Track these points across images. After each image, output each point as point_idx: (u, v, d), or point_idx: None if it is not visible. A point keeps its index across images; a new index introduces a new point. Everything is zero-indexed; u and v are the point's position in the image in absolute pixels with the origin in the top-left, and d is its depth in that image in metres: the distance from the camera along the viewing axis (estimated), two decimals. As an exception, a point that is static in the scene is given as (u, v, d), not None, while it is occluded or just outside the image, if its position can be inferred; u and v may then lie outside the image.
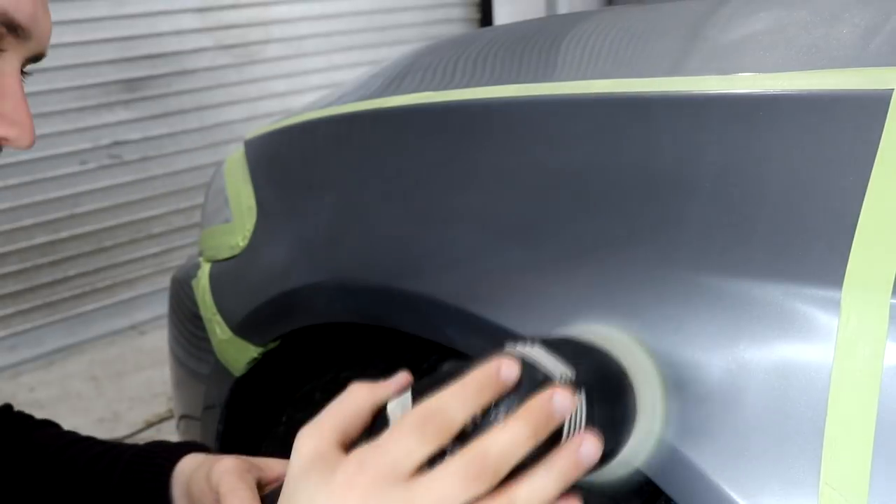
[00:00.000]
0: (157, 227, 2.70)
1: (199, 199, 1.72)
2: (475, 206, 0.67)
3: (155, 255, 2.71)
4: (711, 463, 0.47)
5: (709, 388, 0.48)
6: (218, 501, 0.61)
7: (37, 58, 0.58)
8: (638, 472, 0.51)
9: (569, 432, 0.43)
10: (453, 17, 3.49)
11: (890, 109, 0.47)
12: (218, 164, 1.18)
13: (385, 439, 0.40)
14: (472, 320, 0.62)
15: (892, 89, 0.48)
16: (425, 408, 0.40)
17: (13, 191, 2.37)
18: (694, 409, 0.48)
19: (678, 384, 0.49)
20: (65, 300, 2.54)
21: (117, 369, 2.42)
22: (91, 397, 2.27)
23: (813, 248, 0.47)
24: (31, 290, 2.47)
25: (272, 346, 0.91)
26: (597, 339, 0.51)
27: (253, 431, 0.99)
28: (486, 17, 3.55)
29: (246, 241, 0.95)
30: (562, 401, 0.41)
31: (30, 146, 0.56)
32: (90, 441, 0.77)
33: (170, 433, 1.80)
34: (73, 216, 2.50)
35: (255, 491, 0.61)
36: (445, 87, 0.79)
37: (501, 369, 0.42)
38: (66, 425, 0.82)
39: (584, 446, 0.41)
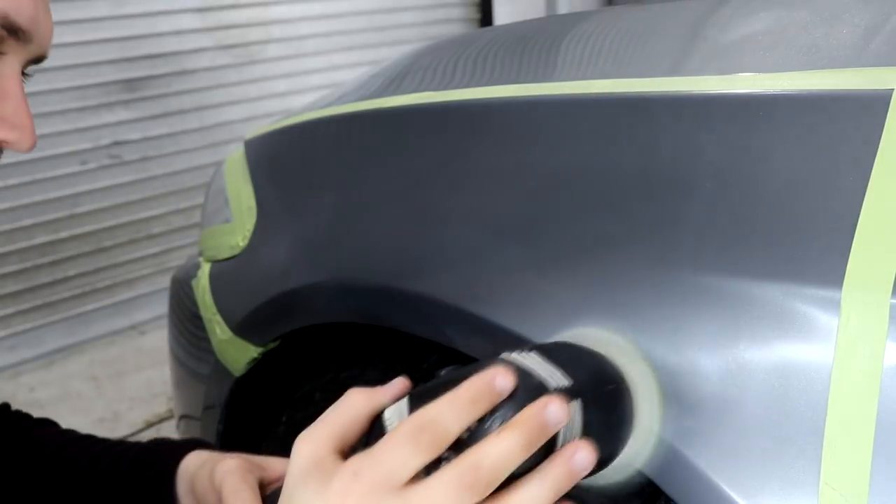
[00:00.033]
0: (157, 227, 2.70)
1: (199, 199, 1.72)
2: (475, 205, 0.67)
3: (155, 255, 2.71)
4: (711, 463, 0.47)
5: (709, 388, 0.48)
6: (221, 501, 0.62)
7: (38, 59, 0.58)
8: (638, 473, 0.51)
9: (564, 440, 0.43)
10: (453, 17, 3.49)
11: (890, 109, 0.47)
12: (218, 164, 1.17)
13: (380, 449, 0.40)
14: (471, 320, 0.62)
15: (892, 89, 0.48)
16: (420, 418, 0.41)
17: (13, 191, 2.37)
18: (694, 409, 0.48)
19: (678, 385, 0.49)
20: (65, 300, 2.54)
21: (117, 369, 2.42)
22: (91, 397, 2.27)
23: (813, 248, 0.47)
24: (31, 290, 2.47)
25: (272, 346, 0.91)
26: (593, 343, 0.52)
27: (253, 431, 0.99)
28: (486, 17, 3.55)
29: (246, 241, 0.95)
30: (555, 411, 0.41)
31: (30, 149, 0.56)
32: (91, 439, 0.77)
33: (170, 433, 1.80)
34: (72, 216, 2.50)
35: (257, 493, 0.62)
36: (445, 87, 0.79)
37: (496, 380, 0.42)
38: (66, 425, 0.82)
39: (578, 455, 0.41)
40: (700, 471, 0.47)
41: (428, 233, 0.71)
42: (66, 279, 2.53)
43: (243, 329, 0.92)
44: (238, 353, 0.93)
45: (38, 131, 0.57)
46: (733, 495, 0.46)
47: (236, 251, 0.96)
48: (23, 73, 0.57)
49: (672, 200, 0.54)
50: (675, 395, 0.49)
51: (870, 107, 0.48)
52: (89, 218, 2.54)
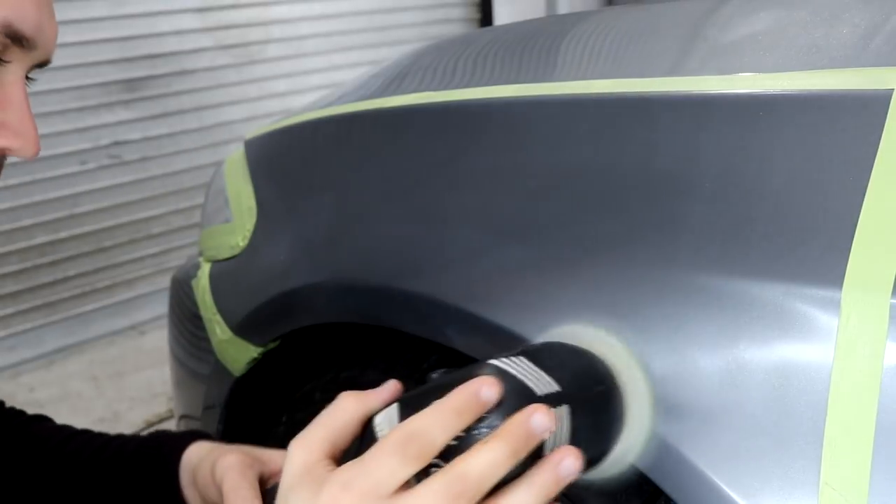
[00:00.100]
0: (157, 227, 2.70)
1: (199, 199, 1.72)
2: (475, 205, 0.67)
3: (154, 255, 2.70)
4: (711, 463, 0.47)
5: (709, 388, 0.48)
6: (222, 495, 0.63)
7: (42, 64, 0.57)
8: (638, 473, 0.52)
9: (552, 445, 0.43)
10: (453, 17, 3.49)
11: (890, 109, 0.47)
12: (218, 164, 1.17)
13: (369, 459, 0.41)
14: (471, 320, 0.62)
15: (892, 89, 0.48)
16: (407, 428, 0.41)
17: (13, 191, 2.37)
18: (694, 409, 0.48)
19: (678, 385, 0.49)
20: (65, 300, 2.54)
21: (117, 369, 2.42)
22: (91, 397, 2.27)
23: (813, 248, 0.47)
24: (31, 290, 2.47)
25: (272, 346, 0.91)
26: (583, 342, 0.52)
27: (253, 431, 0.99)
28: (486, 17, 3.55)
29: (246, 241, 0.95)
30: (540, 420, 0.41)
31: (34, 156, 0.56)
32: (90, 433, 0.78)
33: (170, 433, 1.79)
34: (72, 216, 2.50)
35: (257, 489, 0.62)
36: (445, 87, 0.79)
37: (482, 390, 0.42)
38: (66, 425, 0.83)
39: (565, 462, 0.42)
40: (700, 471, 0.47)
41: (428, 233, 0.71)
42: (66, 279, 2.53)
43: (243, 329, 0.92)
44: (238, 353, 0.93)
45: (38, 131, 0.57)
46: (733, 495, 0.46)
47: (236, 251, 0.96)
48: (26, 77, 0.57)
49: (672, 200, 0.54)
50: (675, 395, 0.49)
51: (870, 107, 0.48)
52: (89, 218, 2.54)
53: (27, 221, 2.42)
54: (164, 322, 1.22)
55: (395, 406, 0.45)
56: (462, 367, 0.47)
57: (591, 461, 0.47)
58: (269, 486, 0.64)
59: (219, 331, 0.96)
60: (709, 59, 0.65)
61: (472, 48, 0.87)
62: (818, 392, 0.44)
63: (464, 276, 0.65)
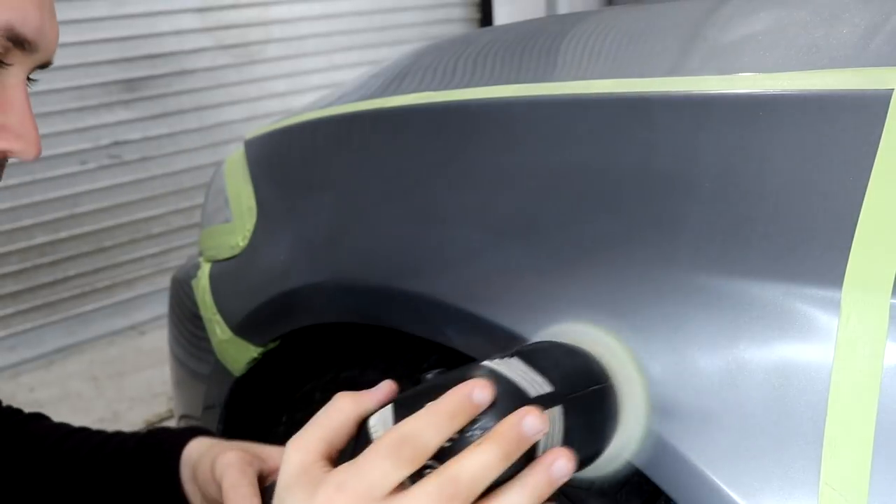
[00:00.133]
0: (157, 227, 2.70)
1: (199, 199, 1.72)
2: (475, 206, 0.67)
3: (154, 255, 2.70)
4: (711, 463, 0.47)
5: (709, 389, 0.48)
6: (221, 492, 0.63)
7: (43, 65, 0.57)
8: (638, 473, 0.52)
9: (545, 446, 0.44)
10: (453, 17, 3.49)
11: (890, 109, 0.47)
12: (218, 164, 1.17)
13: (362, 461, 0.42)
14: (471, 320, 0.62)
15: (892, 89, 0.48)
16: (400, 431, 0.42)
17: (13, 191, 2.37)
18: (694, 409, 0.48)
19: (678, 384, 0.49)
20: (65, 300, 2.54)
21: (117, 369, 2.42)
22: (91, 397, 2.27)
23: (813, 248, 0.47)
24: (31, 290, 2.47)
25: (272, 346, 0.91)
26: (577, 340, 0.52)
27: (253, 431, 0.99)
28: (486, 17, 3.55)
29: (246, 241, 0.95)
30: (532, 423, 0.42)
31: (35, 158, 0.56)
32: (87, 431, 0.78)
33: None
34: (72, 216, 2.50)
35: (256, 486, 0.63)
36: (445, 87, 0.79)
37: (474, 393, 0.43)
38: (66, 425, 0.83)
39: (557, 463, 0.42)
40: (700, 471, 0.47)
41: (428, 233, 0.71)
42: (66, 279, 2.53)
43: (243, 329, 0.92)
44: (238, 353, 0.93)
45: (38, 131, 0.57)
46: (733, 495, 0.46)
47: (236, 251, 0.96)
48: (28, 79, 0.56)
49: (672, 200, 0.54)
50: (675, 395, 0.49)
51: (870, 107, 0.48)
52: (89, 218, 2.54)
53: (27, 221, 2.42)
54: (164, 322, 1.22)
55: (389, 407, 0.46)
56: (456, 367, 0.47)
57: (586, 460, 0.48)
58: (268, 483, 0.65)
59: (219, 331, 0.96)
60: (709, 59, 0.65)
61: (472, 48, 0.87)
62: (818, 392, 0.44)
63: (463, 276, 0.65)
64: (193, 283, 1.04)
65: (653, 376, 0.50)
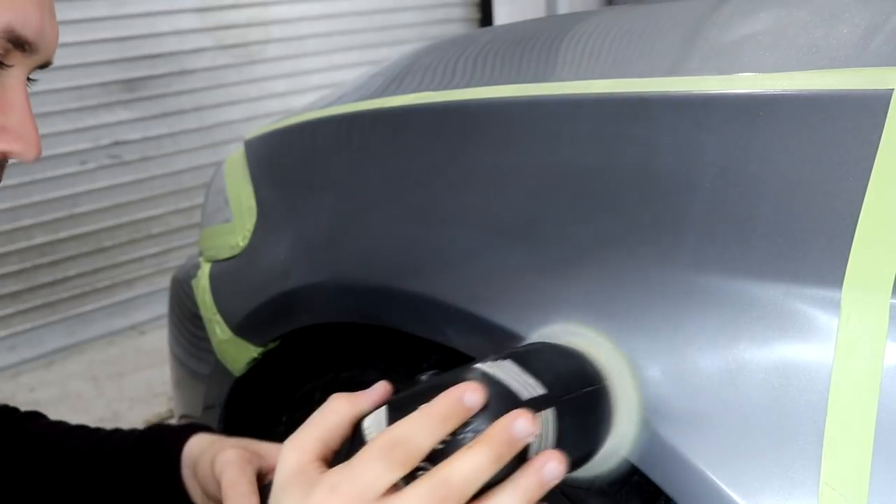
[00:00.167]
0: (157, 227, 2.70)
1: (199, 199, 1.72)
2: (475, 206, 0.67)
3: (154, 255, 2.71)
4: (711, 463, 0.47)
5: (709, 388, 0.48)
6: (221, 489, 0.64)
7: (43, 65, 0.57)
8: (638, 473, 0.52)
9: (538, 448, 0.44)
10: (453, 17, 3.49)
11: (890, 109, 0.47)
12: (218, 164, 1.18)
13: (356, 463, 0.42)
14: (471, 320, 0.62)
15: (892, 89, 0.48)
16: (393, 434, 0.43)
17: (13, 191, 2.37)
18: (694, 409, 0.48)
19: (677, 384, 0.49)
20: (65, 300, 2.54)
21: (117, 369, 2.42)
22: (91, 397, 2.27)
23: (813, 249, 0.47)
24: (31, 290, 2.47)
25: (272, 346, 0.91)
26: (570, 341, 0.52)
27: (253, 431, 0.99)
28: (486, 17, 3.55)
29: (246, 241, 0.95)
30: (523, 426, 0.42)
31: (35, 160, 0.56)
32: (86, 428, 0.79)
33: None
34: (72, 216, 2.50)
35: (254, 484, 0.64)
36: (445, 87, 0.79)
37: (465, 396, 0.43)
38: (66, 425, 0.83)
39: (548, 466, 0.43)
40: (700, 471, 0.47)
41: (428, 233, 0.71)
42: (65, 279, 2.53)
43: (243, 329, 0.92)
44: (238, 353, 0.93)
45: (38, 131, 0.57)
46: (733, 495, 0.46)
47: (236, 251, 0.96)
48: (28, 79, 0.56)
49: (672, 200, 0.54)
50: (676, 395, 0.49)
51: (870, 107, 0.48)
52: (89, 218, 2.54)
53: (27, 221, 2.42)
54: (164, 322, 1.22)
55: (383, 409, 0.46)
56: (451, 369, 0.47)
57: (579, 461, 0.48)
58: (266, 481, 0.65)
59: (219, 331, 0.96)
60: (709, 59, 0.65)
61: (472, 48, 0.87)
62: (818, 392, 0.44)
63: (463, 276, 0.65)
64: (193, 283, 1.04)
65: (653, 376, 0.50)
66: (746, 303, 0.48)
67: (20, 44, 0.53)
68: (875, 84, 0.49)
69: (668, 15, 0.77)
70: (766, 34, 0.63)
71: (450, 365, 0.51)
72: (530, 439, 0.42)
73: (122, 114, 2.56)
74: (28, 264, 2.45)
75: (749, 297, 0.48)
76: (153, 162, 2.65)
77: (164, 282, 1.33)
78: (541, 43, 0.83)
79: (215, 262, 1.01)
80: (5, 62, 0.53)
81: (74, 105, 2.45)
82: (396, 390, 0.50)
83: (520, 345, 0.55)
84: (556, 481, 0.43)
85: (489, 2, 3.54)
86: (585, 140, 0.62)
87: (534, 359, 0.48)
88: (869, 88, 0.49)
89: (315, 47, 3.01)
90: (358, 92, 0.91)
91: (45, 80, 0.60)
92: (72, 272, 2.54)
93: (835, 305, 0.45)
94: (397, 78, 0.88)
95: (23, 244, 2.43)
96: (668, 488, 0.49)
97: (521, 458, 0.43)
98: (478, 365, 0.46)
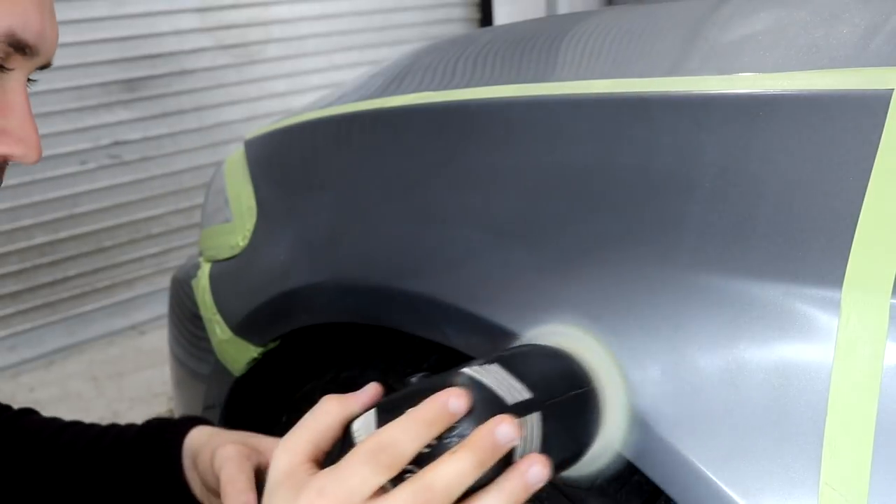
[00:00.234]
0: (157, 227, 2.70)
1: (199, 199, 1.72)
2: (475, 206, 0.67)
3: (154, 255, 2.70)
4: (711, 463, 0.47)
5: (708, 388, 0.48)
6: (220, 483, 0.64)
7: (42, 66, 0.57)
8: (638, 473, 0.52)
9: (523, 452, 0.44)
10: (453, 17, 3.49)
11: (890, 109, 0.47)
12: (218, 164, 1.18)
13: (343, 466, 0.43)
14: (471, 320, 0.62)
15: (892, 89, 0.48)
16: (379, 438, 0.43)
17: (13, 191, 2.37)
18: (694, 409, 0.48)
19: (677, 385, 0.49)
20: (65, 300, 2.54)
21: (117, 369, 2.42)
22: (91, 397, 2.27)
23: (813, 249, 0.47)
24: (31, 290, 2.47)
25: (272, 346, 0.91)
26: (560, 343, 0.52)
27: (253, 431, 0.99)
28: (486, 17, 3.55)
29: (246, 241, 0.95)
30: (506, 432, 0.43)
31: (36, 162, 0.56)
32: (81, 424, 0.79)
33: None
34: (72, 216, 2.50)
35: (253, 481, 0.64)
36: (445, 87, 0.79)
37: (450, 402, 0.44)
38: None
39: (532, 470, 0.43)
40: (700, 471, 0.47)
41: (428, 233, 0.71)
42: (65, 279, 2.53)
43: (243, 329, 0.92)
44: (238, 353, 0.93)
45: (38, 131, 0.57)
46: (733, 495, 0.46)
47: (236, 251, 0.96)
48: (28, 80, 0.56)
49: (672, 200, 0.54)
50: (675, 395, 0.49)
51: (870, 107, 0.48)
52: (89, 218, 2.54)
53: (27, 221, 2.42)
54: (164, 322, 1.22)
55: (372, 412, 0.47)
56: (443, 372, 0.48)
57: (566, 463, 0.49)
58: (265, 477, 0.66)
59: (219, 331, 0.96)
60: (709, 59, 0.65)
61: (472, 48, 0.87)
62: (818, 392, 0.44)
63: (463, 276, 0.65)
64: (193, 283, 1.04)
65: (653, 376, 0.50)
66: (746, 303, 0.48)
67: (21, 47, 0.53)
68: (875, 84, 0.49)
69: (668, 15, 0.77)
70: (766, 34, 0.63)
71: (450, 365, 0.51)
72: (513, 444, 0.43)
73: (122, 114, 2.56)
74: (28, 264, 2.45)
75: (749, 297, 0.48)
76: (153, 162, 2.65)
77: (164, 282, 1.34)
78: (541, 43, 0.83)
79: (215, 262, 1.01)
80: (6, 66, 0.53)
81: (74, 105, 2.45)
82: (389, 391, 0.50)
83: (509, 347, 0.55)
84: (541, 484, 0.44)
85: (489, 2, 3.54)
86: (585, 140, 0.62)
87: (520, 362, 0.49)
88: (869, 88, 0.49)
89: (315, 47, 3.01)
90: (358, 92, 0.91)
91: (45, 80, 0.60)
92: (72, 272, 2.54)
93: (835, 305, 0.45)
94: (397, 78, 0.88)
95: (23, 244, 2.43)
96: (668, 488, 0.49)
97: (507, 461, 0.43)
98: (465, 369, 0.47)
